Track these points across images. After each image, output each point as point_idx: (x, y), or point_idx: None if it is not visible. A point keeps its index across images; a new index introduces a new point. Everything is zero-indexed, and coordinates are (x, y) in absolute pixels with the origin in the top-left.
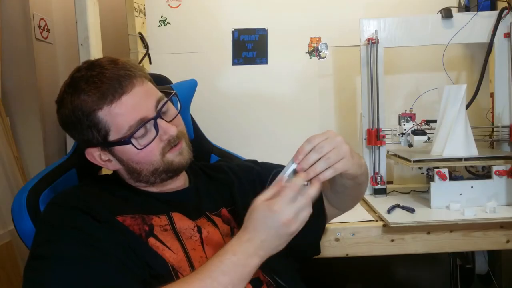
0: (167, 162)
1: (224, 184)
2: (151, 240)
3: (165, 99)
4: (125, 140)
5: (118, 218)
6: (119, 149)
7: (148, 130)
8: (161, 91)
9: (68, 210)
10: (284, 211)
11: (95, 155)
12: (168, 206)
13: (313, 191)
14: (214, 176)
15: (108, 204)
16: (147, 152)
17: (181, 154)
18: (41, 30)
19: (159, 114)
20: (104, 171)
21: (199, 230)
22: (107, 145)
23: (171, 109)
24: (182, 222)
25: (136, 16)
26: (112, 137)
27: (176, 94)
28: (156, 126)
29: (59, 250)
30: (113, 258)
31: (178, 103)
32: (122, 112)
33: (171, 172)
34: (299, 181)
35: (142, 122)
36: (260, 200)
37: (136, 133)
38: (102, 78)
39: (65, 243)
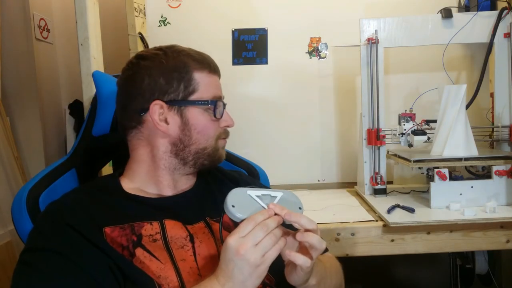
0: (216, 147)
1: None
2: (139, 251)
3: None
4: (212, 101)
5: (106, 229)
6: (193, 112)
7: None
8: None
9: (58, 224)
10: (251, 254)
11: (157, 108)
12: (163, 212)
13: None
14: (224, 182)
15: (99, 215)
16: (211, 126)
17: (224, 149)
18: (41, 30)
19: (224, 104)
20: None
21: (192, 240)
22: (188, 103)
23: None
24: (174, 231)
25: (136, 16)
26: (196, 97)
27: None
28: (223, 110)
29: (40, 262)
30: (89, 279)
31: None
32: (212, 84)
33: (210, 160)
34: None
35: (221, 99)
36: (231, 238)
37: (217, 103)
38: (201, 52)
39: (46, 257)
